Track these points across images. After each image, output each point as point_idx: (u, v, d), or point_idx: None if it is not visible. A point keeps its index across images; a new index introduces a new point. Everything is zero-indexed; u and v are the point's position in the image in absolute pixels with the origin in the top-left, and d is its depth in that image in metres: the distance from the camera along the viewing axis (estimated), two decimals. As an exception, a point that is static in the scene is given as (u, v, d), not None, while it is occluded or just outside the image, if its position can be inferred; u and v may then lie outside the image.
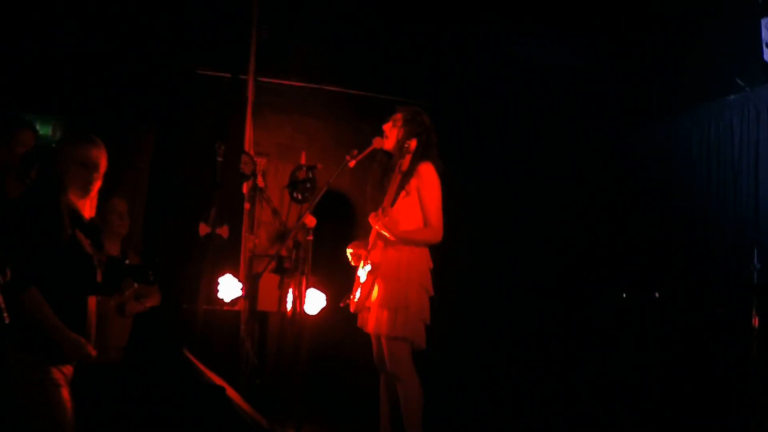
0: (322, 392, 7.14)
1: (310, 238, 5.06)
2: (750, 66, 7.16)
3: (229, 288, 6.66)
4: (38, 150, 4.00)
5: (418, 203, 4.89)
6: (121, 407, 4.62)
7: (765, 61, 6.82)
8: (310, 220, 4.97)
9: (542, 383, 8.30)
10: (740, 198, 7.23)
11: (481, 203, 8.32)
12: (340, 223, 7.49)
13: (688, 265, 7.65)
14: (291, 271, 7.13)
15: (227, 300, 6.66)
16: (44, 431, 3.28)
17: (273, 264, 6.90)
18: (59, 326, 3.30)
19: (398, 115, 5.04)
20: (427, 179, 4.87)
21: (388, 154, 5.10)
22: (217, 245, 6.90)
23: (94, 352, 3.44)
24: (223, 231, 6.95)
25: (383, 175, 5.12)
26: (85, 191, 3.55)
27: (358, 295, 4.98)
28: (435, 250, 5.00)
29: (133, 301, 5.36)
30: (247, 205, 7.31)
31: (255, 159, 7.29)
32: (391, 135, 5.02)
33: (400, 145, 4.97)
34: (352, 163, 4.99)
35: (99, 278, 3.53)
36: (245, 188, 7.27)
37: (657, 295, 6.98)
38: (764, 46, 6.79)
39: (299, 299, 5.28)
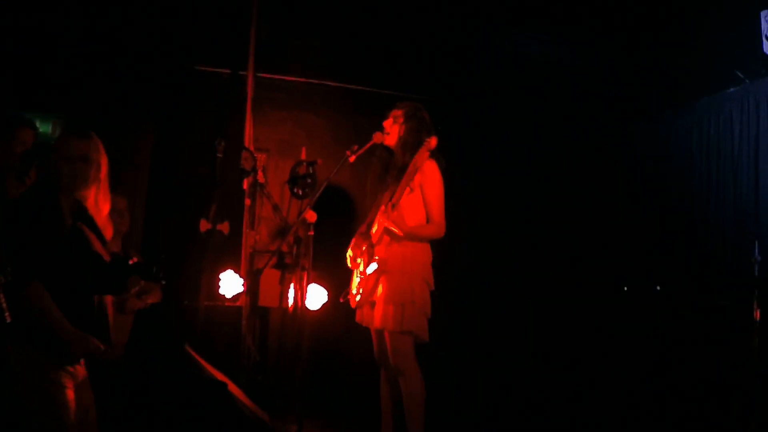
0: (324, 387, 7.15)
1: (311, 233, 5.06)
2: (749, 58, 7.15)
3: (231, 284, 6.66)
4: (38, 148, 4.00)
5: (421, 199, 4.90)
6: (122, 404, 4.63)
7: (764, 54, 6.81)
8: (311, 216, 4.97)
9: (543, 377, 8.31)
10: (740, 190, 7.22)
11: (480, 198, 8.32)
12: (340, 218, 7.48)
13: (689, 258, 7.66)
14: (292, 266, 7.13)
15: (228, 296, 6.65)
16: (46, 429, 3.28)
17: (274, 260, 6.89)
18: (62, 321, 3.29)
19: (399, 112, 5.04)
20: (430, 175, 4.88)
21: (388, 150, 5.10)
22: (218, 241, 6.91)
23: (102, 347, 3.43)
24: (224, 227, 6.96)
25: (385, 171, 5.13)
26: (81, 185, 3.54)
27: (355, 289, 4.99)
28: (435, 243, 5.01)
29: (134, 298, 5.36)
30: (247, 201, 7.31)
31: (255, 155, 7.28)
32: (392, 131, 5.02)
33: (403, 141, 4.98)
34: (352, 159, 4.99)
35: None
36: (246, 184, 7.27)
37: (658, 288, 6.98)
38: (764, 38, 6.79)
39: (300, 295, 5.28)
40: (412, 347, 4.84)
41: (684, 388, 6.94)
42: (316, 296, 6.57)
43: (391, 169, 5.03)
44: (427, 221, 4.91)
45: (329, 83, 8.28)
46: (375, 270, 4.84)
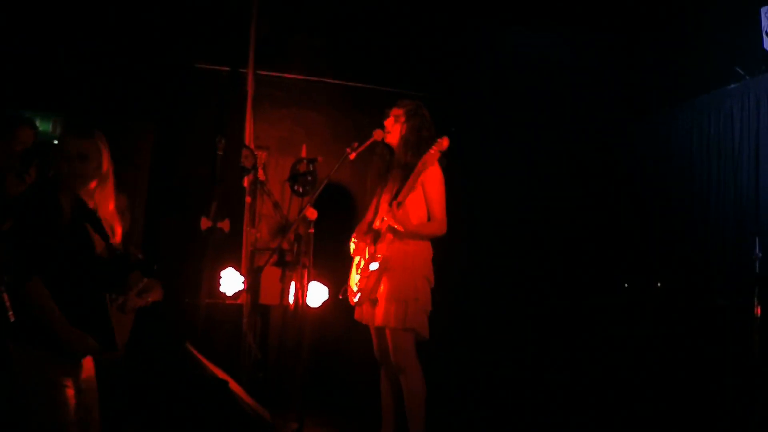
0: (325, 385, 7.14)
1: (312, 231, 5.06)
2: (750, 55, 7.14)
3: (231, 282, 6.67)
4: (38, 147, 4.01)
5: (423, 197, 4.91)
6: (124, 403, 4.63)
7: (765, 50, 6.80)
8: (311, 213, 4.97)
9: (544, 374, 8.31)
10: (741, 187, 7.22)
11: (480, 196, 8.31)
12: (341, 215, 7.48)
13: (690, 256, 7.65)
14: (293, 264, 7.12)
15: (229, 294, 6.67)
16: (45, 428, 3.28)
17: (275, 257, 6.89)
18: (61, 320, 3.28)
19: (400, 111, 5.05)
20: (432, 174, 4.89)
21: (389, 148, 5.10)
22: (219, 239, 6.90)
23: (94, 345, 3.42)
24: (225, 225, 6.95)
25: (386, 169, 5.13)
26: (80, 183, 3.53)
27: (356, 287, 4.99)
28: (435, 241, 5.02)
29: (135, 296, 5.35)
30: (248, 199, 7.31)
31: (255, 152, 7.28)
32: (393, 130, 5.03)
33: (405, 139, 4.99)
34: (352, 156, 5.00)
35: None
36: (246, 182, 7.27)
37: (659, 285, 6.98)
38: (764, 34, 6.78)
39: (301, 292, 5.29)
40: (414, 345, 4.86)
41: (685, 385, 6.95)
42: (316, 294, 6.59)
43: (394, 167, 5.04)
44: (428, 219, 4.92)
45: (329, 80, 8.28)
46: (376, 267, 4.84)
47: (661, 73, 8.23)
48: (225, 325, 6.79)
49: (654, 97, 8.41)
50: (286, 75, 8.14)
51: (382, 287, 4.84)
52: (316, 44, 8.10)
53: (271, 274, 7.12)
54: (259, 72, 7.68)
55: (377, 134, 5.04)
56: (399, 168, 4.99)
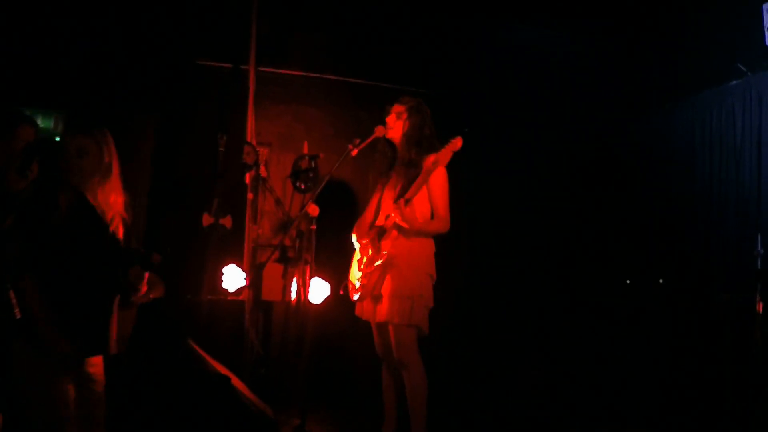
0: (327, 381, 7.15)
1: (314, 227, 5.06)
2: (751, 51, 7.14)
3: (233, 278, 6.67)
4: (39, 144, 4.00)
5: (427, 195, 4.92)
6: (126, 399, 4.63)
7: (766, 46, 6.80)
8: (313, 210, 4.98)
9: (546, 370, 8.32)
10: (743, 183, 7.21)
11: (482, 191, 8.31)
12: (343, 212, 7.48)
13: (692, 251, 7.65)
14: (295, 260, 7.13)
15: (231, 290, 6.67)
16: (40, 423, 3.28)
17: (276, 253, 6.91)
18: (43, 318, 3.27)
19: (401, 108, 5.04)
20: (436, 171, 4.88)
21: (390, 144, 5.10)
22: (221, 235, 6.91)
23: (67, 349, 3.37)
24: (227, 221, 6.96)
25: (390, 166, 5.13)
26: (79, 179, 3.53)
27: (359, 282, 4.99)
28: (437, 238, 5.02)
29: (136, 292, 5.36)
30: (250, 195, 7.31)
31: (257, 149, 7.29)
32: (396, 127, 5.02)
33: (407, 136, 4.99)
34: (354, 152, 4.99)
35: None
36: (248, 178, 7.27)
37: (661, 281, 6.99)
38: (765, 30, 6.77)
39: (303, 288, 5.29)
40: (416, 341, 4.87)
41: (687, 380, 6.95)
42: (318, 290, 6.59)
43: (398, 165, 5.03)
44: (432, 216, 4.93)
45: (331, 77, 8.27)
46: (380, 264, 4.84)
47: (663, 69, 8.22)
48: (227, 322, 6.80)
49: (655, 93, 8.40)
50: (287, 71, 8.14)
51: (385, 283, 4.84)
52: (317, 41, 8.09)
53: (273, 270, 7.12)
54: (260, 68, 7.67)
55: (379, 131, 5.04)
56: (403, 165, 4.99)
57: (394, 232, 4.90)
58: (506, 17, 7.98)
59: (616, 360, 7.14)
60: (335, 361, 7.41)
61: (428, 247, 4.93)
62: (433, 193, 4.92)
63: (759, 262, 6.10)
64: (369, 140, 5.04)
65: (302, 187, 7.24)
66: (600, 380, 7.25)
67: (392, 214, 4.82)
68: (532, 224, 8.77)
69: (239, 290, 6.68)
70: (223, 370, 5.02)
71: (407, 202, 4.76)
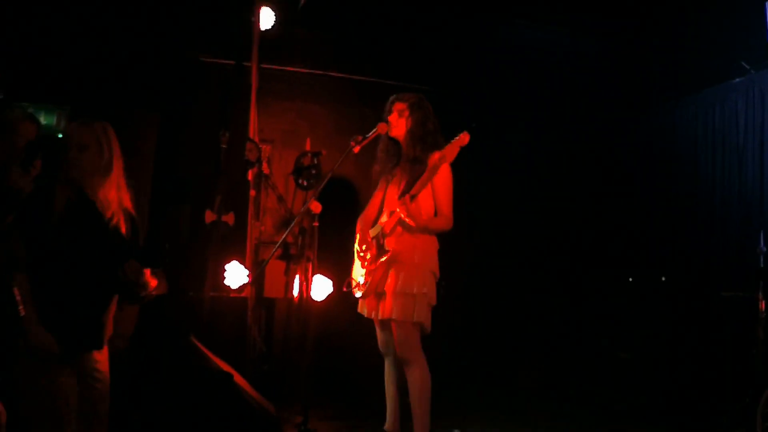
0: (329, 378, 7.16)
1: (316, 224, 5.06)
2: (754, 49, 7.13)
3: (236, 275, 6.68)
4: (42, 140, 4.00)
5: (431, 192, 4.91)
6: (128, 395, 4.63)
7: (770, 44, 6.80)
8: (316, 206, 4.97)
9: (548, 367, 8.32)
10: (746, 181, 7.21)
11: (485, 189, 8.31)
12: (345, 209, 7.48)
13: (695, 250, 7.65)
14: (297, 257, 7.14)
15: (234, 287, 6.67)
16: (39, 418, 3.28)
17: (279, 250, 6.90)
18: (30, 318, 3.26)
19: (403, 105, 5.02)
20: (441, 169, 4.87)
21: (394, 141, 5.09)
22: (223, 232, 6.91)
23: (54, 349, 3.35)
24: (229, 218, 6.96)
25: (394, 163, 5.12)
26: (78, 173, 3.52)
27: (362, 279, 4.99)
28: (440, 236, 5.01)
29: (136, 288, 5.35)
30: (252, 192, 7.31)
31: (260, 146, 7.28)
32: (399, 125, 5.00)
33: (411, 133, 4.97)
34: (356, 149, 4.98)
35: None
36: (250, 175, 7.27)
37: (663, 279, 6.98)
38: (769, 28, 6.77)
39: (306, 285, 5.29)
40: (419, 338, 4.86)
41: (689, 378, 6.95)
42: (321, 287, 6.59)
43: (403, 161, 5.02)
44: (435, 214, 4.92)
45: (333, 74, 8.28)
46: (384, 261, 4.84)
47: (665, 67, 8.22)
48: (229, 318, 6.80)
49: (658, 92, 8.40)
50: (290, 68, 8.14)
51: (389, 280, 4.84)
52: (319, 38, 8.10)
53: (275, 267, 7.13)
54: (263, 65, 7.67)
55: (381, 127, 5.02)
56: (407, 162, 4.97)
57: (399, 229, 4.89)
58: (510, 16, 7.97)
59: (617, 358, 7.13)
60: (337, 357, 7.41)
61: (432, 244, 4.93)
62: (437, 191, 4.91)
63: (762, 261, 6.09)
64: (371, 137, 5.03)
65: (304, 184, 7.24)
66: (601, 379, 7.25)
67: (397, 210, 4.82)
68: (534, 222, 8.78)
69: (242, 287, 6.68)
70: (225, 367, 5.03)
71: (413, 198, 4.75)
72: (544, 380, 8.29)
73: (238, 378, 4.98)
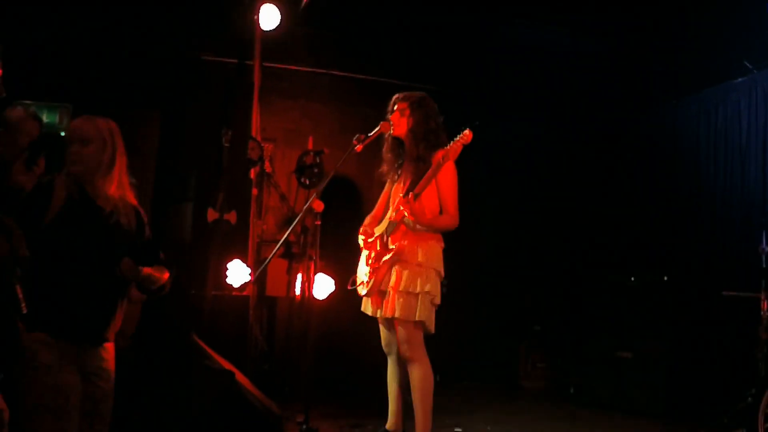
0: (331, 376, 7.17)
1: (318, 222, 5.06)
2: (757, 48, 7.13)
3: (238, 273, 6.67)
4: (45, 138, 4.00)
5: (435, 190, 4.90)
6: (130, 394, 4.64)
7: (772, 44, 6.80)
8: (318, 205, 4.96)
9: (549, 367, 8.32)
10: (748, 181, 7.21)
11: (488, 187, 8.31)
12: (347, 207, 7.49)
13: (696, 249, 7.65)
14: (299, 256, 7.15)
15: (236, 285, 6.67)
16: (41, 414, 3.28)
17: (281, 249, 6.91)
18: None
19: (404, 104, 5.01)
20: (445, 167, 4.86)
21: (398, 140, 5.09)
22: (225, 231, 6.91)
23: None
24: (231, 216, 6.96)
25: (398, 162, 5.12)
26: (81, 168, 3.51)
27: (366, 278, 4.99)
28: (448, 234, 5.00)
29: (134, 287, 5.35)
30: (254, 191, 7.31)
31: (262, 144, 7.29)
32: (401, 124, 5.00)
33: (413, 132, 4.97)
34: (359, 148, 4.97)
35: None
36: (252, 174, 7.27)
37: (665, 278, 6.98)
38: (771, 28, 6.77)
39: (308, 284, 5.29)
40: (422, 337, 4.86)
41: (691, 378, 6.95)
42: (323, 285, 6.59)
43: (406, 161, 5.02)
44: (440, 212, 4.91)
45: (336, 72, 8.28)
46: (388, 259, 4.84)
47: (668, 66, 8.21)
48: (231, 317, 6.80)
49: (660, 88, 8.39)
50: (292, 67, 8.14)
51: (393, 279, 4.83)
52: (322, 36, 8.10)
53: (277, 265, 7.13)
54: (265, 64, 7.67)
55: (384, 126, 5.02)
56: (411, 160, 4.97)
57: (402, 228, 4.89)
58: (512, 16, 7.97)
59: (618, 358, 7.13)
60: (339, 356, 7.42)
61: (436, 243, 4.92)
62: (441, 189, 4.90)
63: (764, 260, 6.10)
64: (373, 135, 5.02)
65: (307, 182, 7.24)
66: (602, 379, 7.25)
67: (401, 209, 4.81)
68: (536, 222, 8.79)
69: (244, 285, 6.68)
70: (227, 365, 5.03)
71: (416, 196, 4.75)
72: (546, 380, 8.30)
73: (239, 376, 4.98)
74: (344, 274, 5.45)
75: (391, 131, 5.03)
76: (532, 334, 8.44)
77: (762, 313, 6.00)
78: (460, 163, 4.90)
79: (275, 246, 5.19)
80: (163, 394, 4.95)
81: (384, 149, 5.18)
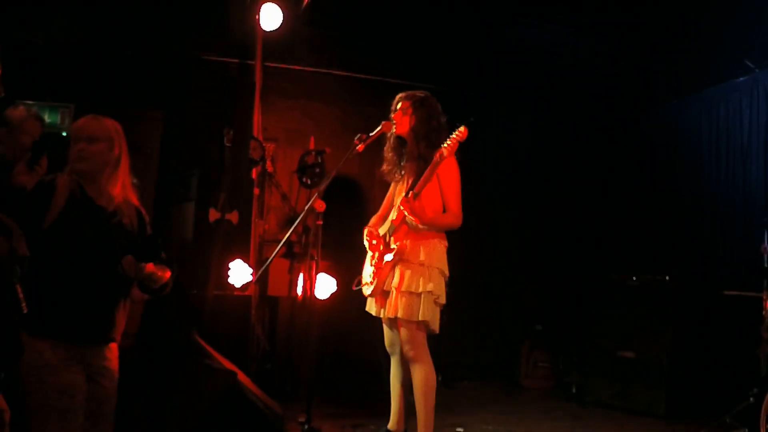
0: (333, 376, 7.17)
1: (320, 222, 5.05)
2: (758, 48, 7.13)
3: (240, 273, 6.68)
4: (48, 138, 4.00)
5: (438, 189, 4.90)
6: (132, 393, 4.64)
7: (774, 43, 6.80)
8: (320, 205, 4.95)
9: (551, 367, 8.31)
10: (750, 180, 7.21)
11: (490, 187, 8.31)
12: (349, 207, 7.49)
13: (699, 249, 7.65)
14: (301, 255, 7.15)
15: (238, 285, 6.67)
16: (46, 414, 3.28)
17: (283, 249, 6.90)
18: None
19: (407, 103, 5.01)
20: (448, 166, 4.86)
21: (401, 140, 5.08)
22: (227, 231, 6.91)
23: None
24: (233, 216, 6.96)
25: (400, 162, 5.12)
26: (87, 165, 3.51)
27: (370, 278, 4.98)
28: (451, 233, 4.99)
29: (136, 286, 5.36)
30: (256, 191, 7.32)
31: (264, 144, 7.29)
32: (402, 122, 4.99)
33: (415, 131, 4.96)
34: (360, 148, 4.97)
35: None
36: (254, 173, 7.28)
37: (667, 278, 6.98)
38: (773, 27, 6.78)
39: (309, 284, 5.29)
40: (425, 337, 4.85)
41: (693, 377, 6.95)
42: (325, 285, 6.59)
43: (409, 159, 5.02)
44: (444, 211, 4.90)
45: (337, 72, 8.27)
46: (391, 259, 4.84)
47: (670, 65, 8.21)
48: (233, 317, 6.80)
49: (662, 87, 8.39)
50: (294, 66, 8.14)
51: (396, 279, 4.83)
52: (323, 36, 8.10)
53: (279, 265, 7.13)
54: (267, 63, 7.68)
55: (385, 126, 5.01)
56: (413, 159, 4.96)
57: (404, 228, 4.88)
58: (514, 15, 7.97)
59: (621, 358, 7.13)
60: (341, 356, 7.42)
61: (439, 243, 4.90)
62: (444, 188, 4.89)
63: (766, 260, 6.10)
64: (375, 135, 5.02)
65: (308, 182, 7.24)
66: (604, 378, 7.24)
67: (401, 209, 4.81)
68: (537, 222, 8.78)
69: (245, 285, 6.69)
70: (229, 365, 5.03)
71: (416, 195, 4.74)
72: (547, 379, 8.29)
73: (241, 376, 4.98)
74: (346, 273, 5.45)
75: (394, 130, 5.03)
76: (533, 334, 8.43)
77: (764, 312, 6.00)
78: (462, 162, 4.90)
79: (277, 246, 5.19)
80: (165, 394, 4.95)
81: (386, 148, 5.17)
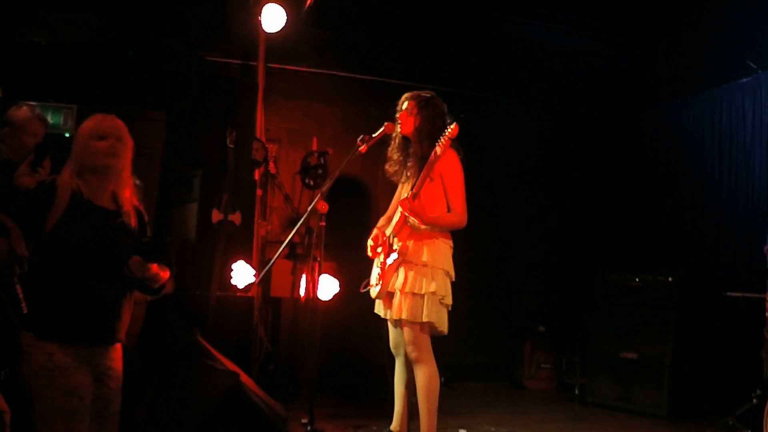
0: (336, 377, 7.16)
1: (323, 223, 5.06)
2: (761, 49, 7.12)
3: (242, 274, 6.66)
4: (51, 139, 4.00)
5: (442, 189, 4.89)
6: (135, 394, 4.64)
7: (777, 44, 6.80)
8: (322, 206, 4.96)
9: (553, 367, 8.31)
10: (753, 181, 7.21)
11: (493, 187, 8.30)
12: (352, 208, 7.49)
13: (701, 250, 7.64)
14: (304, 256, 7.14)
15: (240, 286, 6.66)
16: (54, 416, 3.27)
17: (286, 250, 6.89)
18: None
19: (411, 103, 5.00)
20: (450, 165, 4.85)
21: (406, 140, 5.08)
22: (230, 232, 6.91)
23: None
24: (236, 217, 6.95)
25: (404, 162, 5.11)
26: (98, 163, 3.50)
27: (376, 280, 4.97)
28: (452, 233, 4.99)
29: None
30: (259, 192, 7.31)
31: (266, 145, 7.29)
32: (407, 122, 4.99)
33: (419, 131, 4.95)
34: (363, 149, 4.97)
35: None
36: (257, 174, 7.27)
37: (670, 279, 6.97)
38: (776, 28, 6.77)
39: (312, 285, 5.29)
40: (429, 338, 4.84)
41: (695, 378, 6.94)
42: (327, 286, 6.58)
43: (413, 159, 5.01)
44: (448, 211, 4.89)
45: (340, 73, 8.27)
46: (395, 260, 4.83)
47: (672, 66, 8.21)
48: (236, 318, 6.78)
49: (665, 88, 8.39)
50: (296, 68, 8.14)
51: (399, 280, 4.82)
52: (326, 37, 8.10)
53: (282, 266, 7.12)
54: (269, 64, 7.68)
55: (388, 127, 5.01)
56: (416, 159, 4.96)
57: (407, 228, 4.88)
58: (519, 11, 7.98)
59: (623, 359, 7.12)
60: (344, 357, 7.42)
61: (443, 243, 4.88)
62: (447, 187, 4.87)
63: (768, 260, 6.10)
64: (378, 136, 5.01)
65: (311, 183, 7.24)
66: (607, 379, 7.24)
67: (402, 208, 4.81)
68: (539, 222, 8.77)
69: (248, 286, 6.68)
70: (231, 366, 5.03)
71: (414, 196, 4.74)
72: (550, 380, 8.29)
73: (244, 377, 4.98)
74: (349, 274, 5.45)
75: (398, 130, 5.02)
76: (536, 335, 8.44)
77: (767, 313, 5.99)
78: (464, 162, 4.90)
79: (280, 247, 5.18)
80: (168, 395, 4.95)
81: (390, 148, 5.16)
